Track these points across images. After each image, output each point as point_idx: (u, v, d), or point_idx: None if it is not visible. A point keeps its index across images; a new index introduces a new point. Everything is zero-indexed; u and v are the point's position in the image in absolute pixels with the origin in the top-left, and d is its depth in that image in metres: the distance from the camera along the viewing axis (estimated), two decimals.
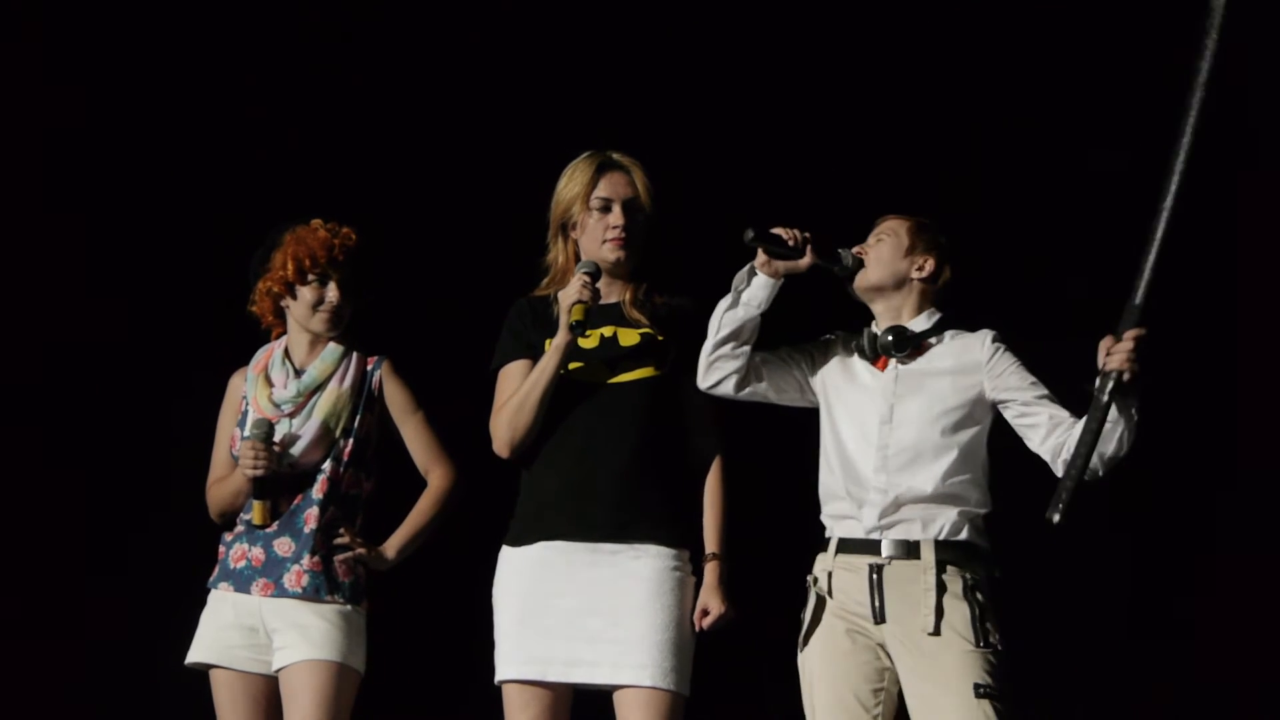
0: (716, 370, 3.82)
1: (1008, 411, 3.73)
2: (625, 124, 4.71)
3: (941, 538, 3.66)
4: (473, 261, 4.92)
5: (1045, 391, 3.71)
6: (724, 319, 3.79)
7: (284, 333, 4.19)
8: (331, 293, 4.09)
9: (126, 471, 5.06)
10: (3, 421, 5.05)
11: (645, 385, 3.89)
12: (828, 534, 3.79)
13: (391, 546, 4.09)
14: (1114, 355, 3.50)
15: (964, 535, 3.68)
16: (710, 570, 3.89)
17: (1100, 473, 3.59)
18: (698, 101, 5.12)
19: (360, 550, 4.03)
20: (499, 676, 3.88)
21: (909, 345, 3.77)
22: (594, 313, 3.86)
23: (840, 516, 3.77)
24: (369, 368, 4.13)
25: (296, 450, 4.05)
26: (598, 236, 3.95)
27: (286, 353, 4.15)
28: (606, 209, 3.96)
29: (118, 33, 5.15)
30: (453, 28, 5.21)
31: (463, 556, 4.13)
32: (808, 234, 3.77)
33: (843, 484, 3.76)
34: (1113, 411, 3.51)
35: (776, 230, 3.75)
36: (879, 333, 3.80)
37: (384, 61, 5.23)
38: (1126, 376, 3.50)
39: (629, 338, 3.93)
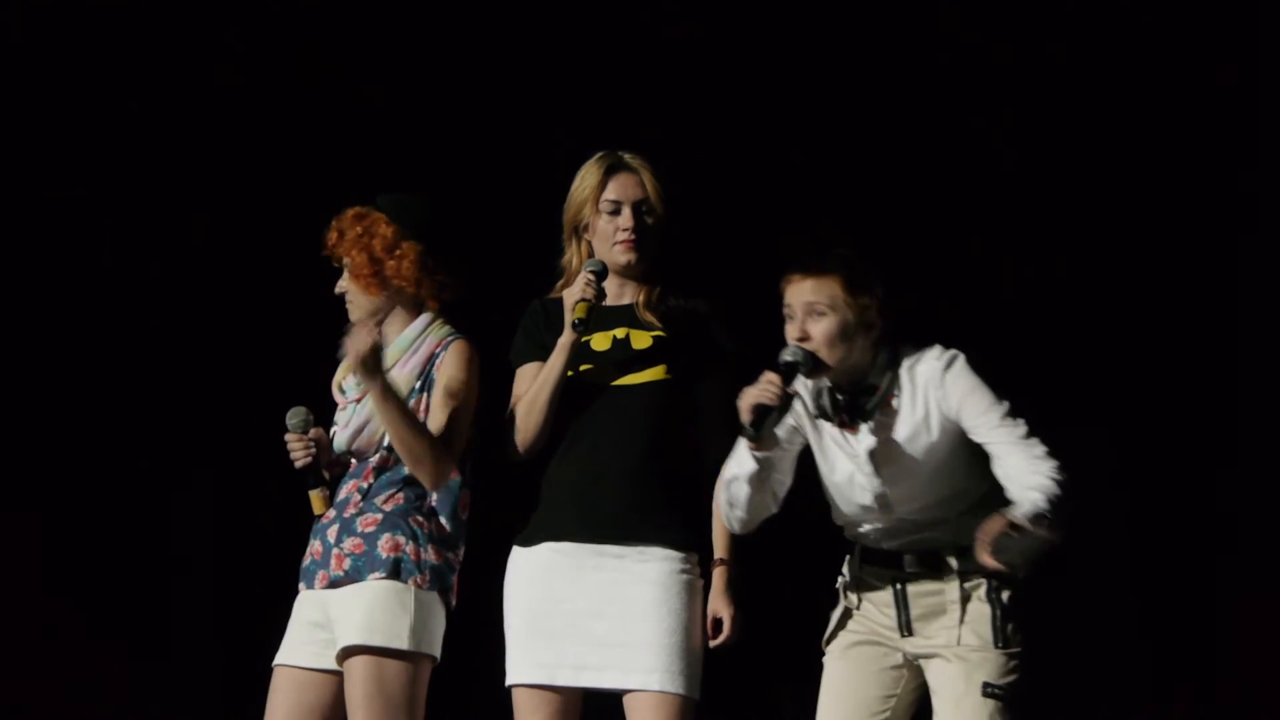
0: (763, 518, 3.74)
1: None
2: (641, 123, 4.75)
3: (964, 544, 3.59)
4: (490, 263, 4.92)
5: (998, 422, 3.56)
6: (745, 500, 3.68)
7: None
8: (341, 284, 4.03)
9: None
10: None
11: (656, 387, 3.87)
12: (847, 536, 3.78)
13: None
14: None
15: None
16: (717, 575, 3.88)
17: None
18: (716, 102, 5.15)
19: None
20: (508, 681, 3.86)
21: (875, 408, 3.62)
22: (597, 311, 3.84)
23: (856, 531, 3.75)
24: (438, 350, 4.02)
25: (343, 439, 4.00)
26: (608, 239, 3.94)
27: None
28: (616, 211, 3.93)
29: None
30: (471, 27, 5.25)
31: (474, 557, 4.10)
32: (772, 380, 3.55)
33: (852, 524, 3.74)
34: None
35: (760, 403, 3.55)
36: (840, 399, 3.63)
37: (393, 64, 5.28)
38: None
39: (641, 340, 3.91)
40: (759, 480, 3.65)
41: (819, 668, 3.86)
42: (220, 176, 5.21)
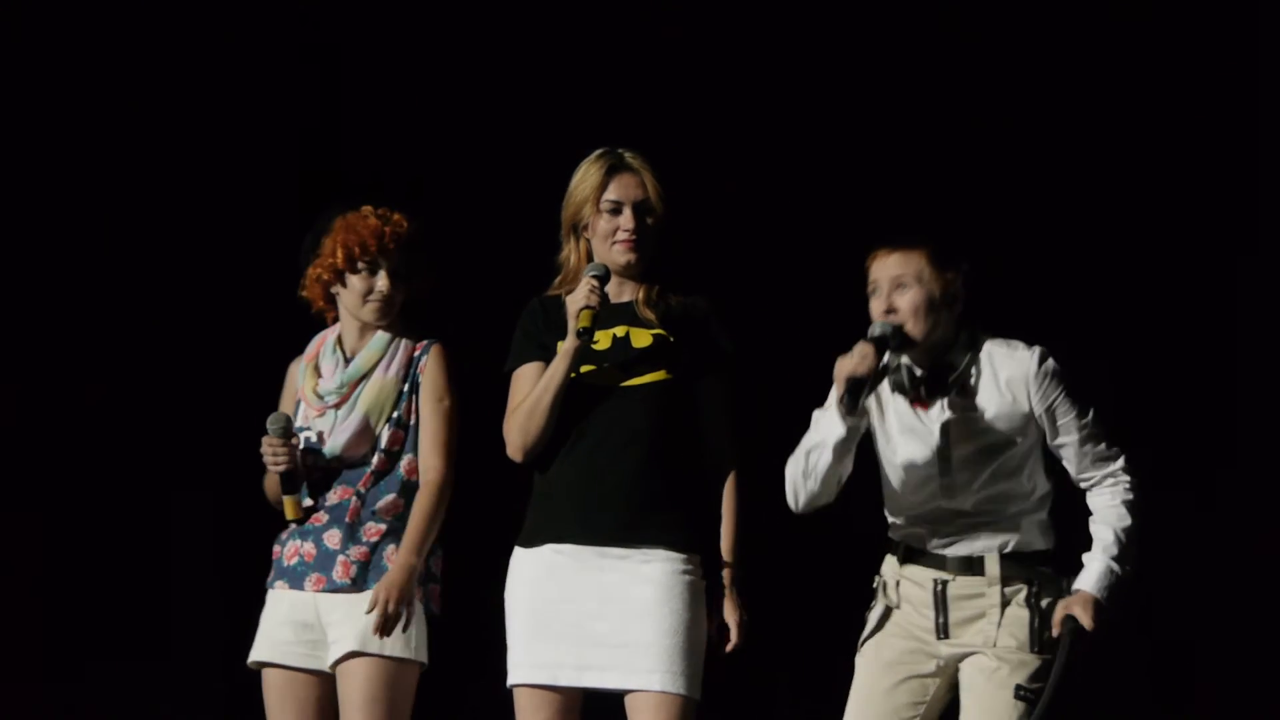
0: (826, 501, 3.74)
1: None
2: (641, 119, 4.75)
3: (1007, 551, 3.65)
4: (494, 258, 4.92)
5: (1087, 431, 3.62)
6: (825, 469, 3.65)
7: (338, 317, 4.12)
8: (381, 282, 4.02)
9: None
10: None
11: (657, 388, 3.87)
12: (892, 535, 3.78)
13: (393, 584, 3.90)
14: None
15: (1031, 545, 3.66)
16: (725, 579, 3.87)
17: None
18: (715, 102, 5.16)
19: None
20: (510, 681, 3.86)
21: (954, 387, 3.64)
22: (601, 318, 3.83)
23: (906, 531, 3.76)
24: (417, 353, 4.06)
25: (339, 444, 4.01)
26: (607, 238, 3.93)
27: (339, 340, 4.10)
28: (617, 211, 3.92)
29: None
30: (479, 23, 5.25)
31: (475, 556, 4.11)
32: (865, 351, 3.57)
33: (903, 513, 3.75)
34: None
35: (856, 375, 3.55)
36: (918, 374, 3.66)
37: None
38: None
39: (641, 339, 3.91)
40: (843, 450, 3.64)
41: (819, 667, 3.88)
42: (220, 184, 5.21)
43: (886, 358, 3.62)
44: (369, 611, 3.89)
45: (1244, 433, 5.12)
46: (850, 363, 3.57)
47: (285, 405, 4.13)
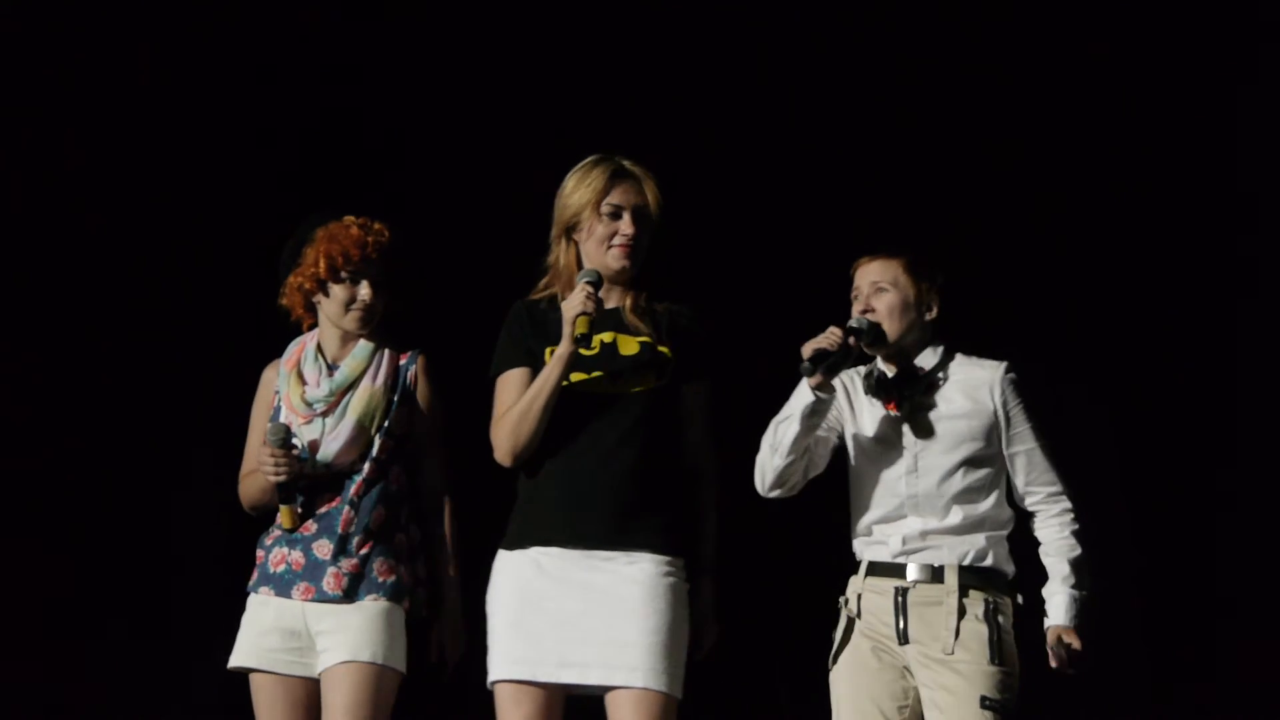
0: (791, 485, 3.91)
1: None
2: (628, 127, 4.77)
3: (966, 563, 3.77)
4: (483, 263, 4.94)
5: (1042, 443, 3.83)
6: (790, 441, 3.82)
7: (314, 324, 4.14)
8: (364, 291, 4.05)
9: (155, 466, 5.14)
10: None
11: (644, 396, 3.89)
12: (858, 557, 3.89)
13: (458, 627, 4.09)
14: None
15: (988, 561, 3.80)
16: (705, 588, 3.91)
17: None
18: (697, 106, 5.17)
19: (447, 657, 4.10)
20: (491, 677, 3.88)
21: (921, 386, 3.83)
22: (596, 324, 3.84)
23: (870, 541, 3.86)
24: (403, 363, 4.09)
25: (331, 451, 4.03)
26: (603, 242, 3.94)
27: (319, 348, 4.12)
28: (617, 216, 3.94)
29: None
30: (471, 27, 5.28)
31: (465, 561, 4.13)
32: (834, 330, 3.80)
33: (870, 520, 3.86)
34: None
35: (819, 347, 3.77)
36: (888, 374, 3.86)
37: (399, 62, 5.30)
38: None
39: (629, 346, 3.92)
40: (809, 419, 3.80)
41: (818, 668, 3.90)
42: (204, 176, 5.23)
43: (857, 345, 3.79)
44: (435, 659, 4.04)
45: (1244, 432, 5.10)
46: (816, 339, 3.77)
47: (259, 409, 4.15)
